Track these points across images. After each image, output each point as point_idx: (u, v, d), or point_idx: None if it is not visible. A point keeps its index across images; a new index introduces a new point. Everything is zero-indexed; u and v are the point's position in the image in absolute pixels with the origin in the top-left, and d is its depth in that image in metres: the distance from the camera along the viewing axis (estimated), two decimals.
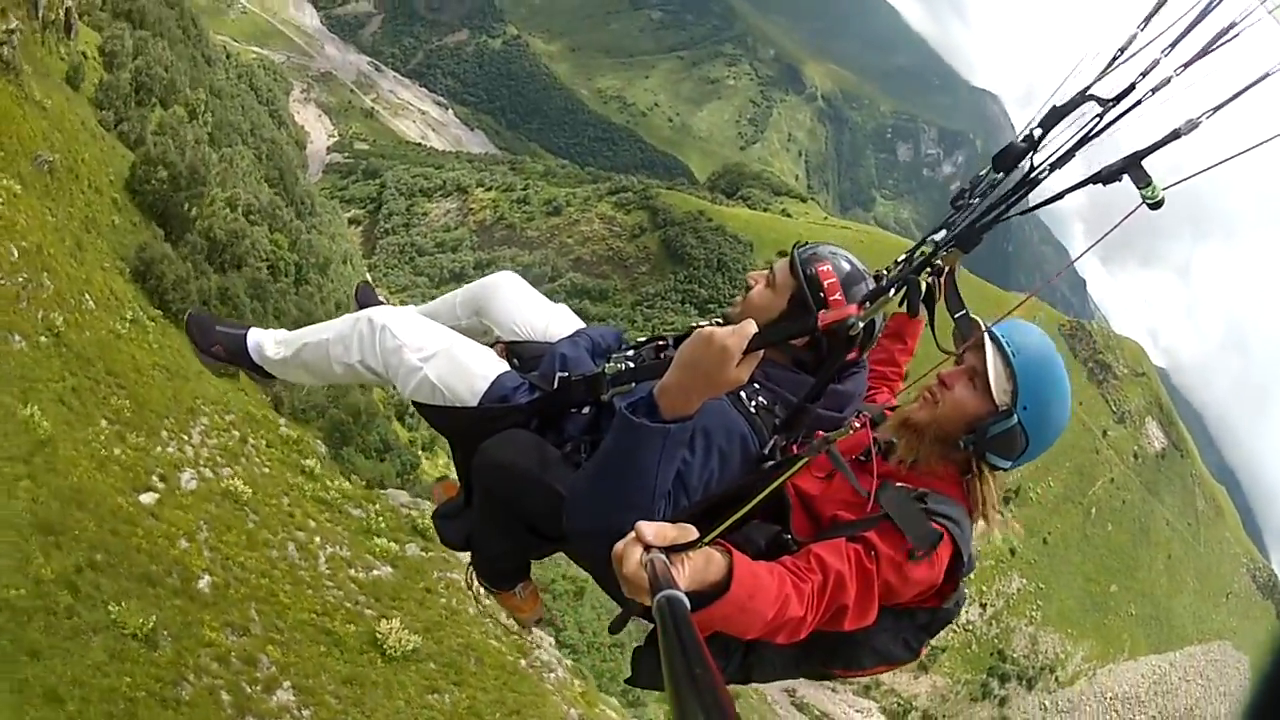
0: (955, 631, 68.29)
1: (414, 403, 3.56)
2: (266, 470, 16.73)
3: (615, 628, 2.68)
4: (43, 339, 13.84)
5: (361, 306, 4.22)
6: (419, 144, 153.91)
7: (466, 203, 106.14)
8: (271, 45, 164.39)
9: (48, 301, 14.88)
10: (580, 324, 3.90)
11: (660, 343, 3.38)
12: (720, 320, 2.99)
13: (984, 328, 2.95)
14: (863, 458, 2.92)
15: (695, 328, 2.74)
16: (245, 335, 4.18)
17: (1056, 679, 74.51)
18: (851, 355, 3.07)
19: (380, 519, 16.78)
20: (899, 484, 2.81)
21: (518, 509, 3.24)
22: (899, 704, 66.41)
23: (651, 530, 2.03)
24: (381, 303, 4.42)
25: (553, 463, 3.10)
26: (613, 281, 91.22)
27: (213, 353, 4.24)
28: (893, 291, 2.80)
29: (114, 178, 26.87)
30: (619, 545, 2.06)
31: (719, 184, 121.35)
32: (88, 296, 17.17)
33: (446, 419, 3.47)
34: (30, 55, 25.36)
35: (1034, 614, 75.86)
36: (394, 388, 3.68)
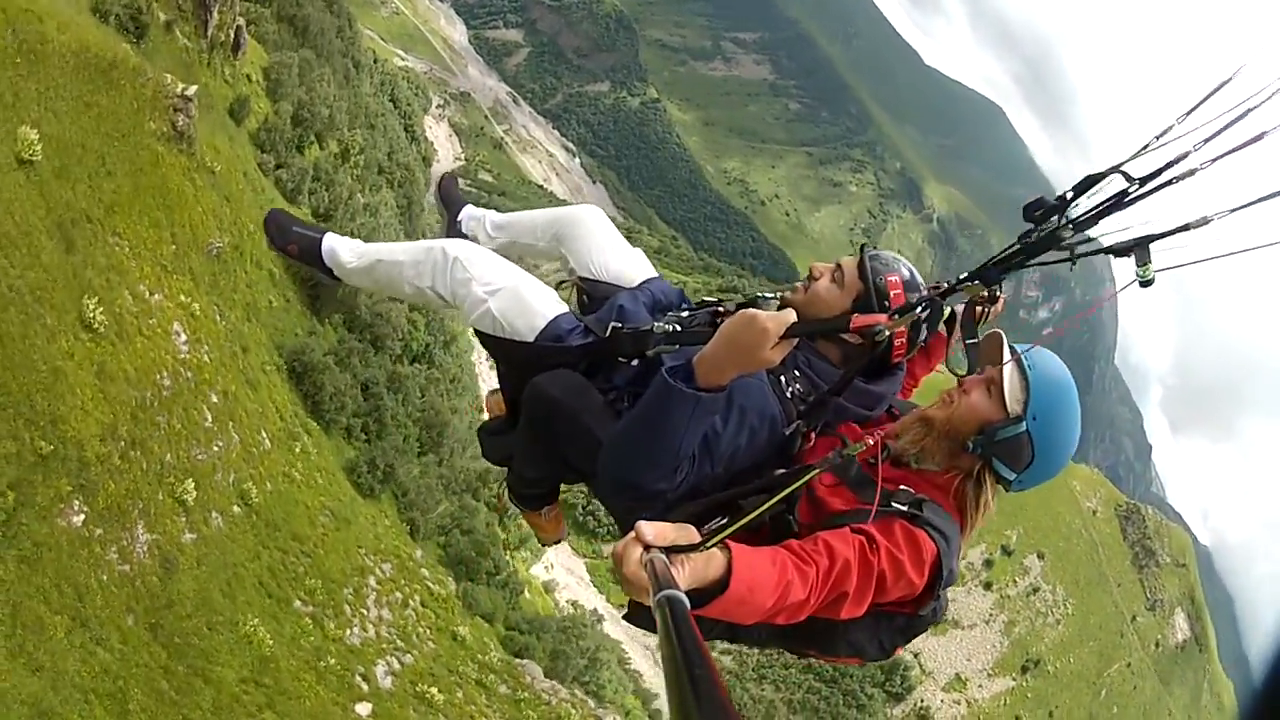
0: None
1: (475, 330, 3.65)
2: (431, 645, 19.73)
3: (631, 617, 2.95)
4: (236, 509, 15.18)
5: (443, 199, 4.76)
6: (541, 186, 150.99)
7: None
8: (416, 52, 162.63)
9: (236, 461, 16.00)
10: (653, 273, 3.94)
11: (718, 309, 3.44)
12: (780, 300, 3.24)
13: (1005, 340, 3.10)
14: (871, 461, 2.95)
15: (759, 297, 3.36)
16: (321, 240, 4.23)
17: None
18: (897, 357, 3.19)
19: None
20: (901, 488, 2.87)
21: (556, 443, 3.34)
22: None
23: (651, 530, 2.08)
24: (463, 202, 4.64)
25: (595, 407, 3.18)
26: None
27: (287, 250, 4.33)
28: (919, 310, 2.97)
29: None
30: (618, 545, 2.11)
31: None
32: (264, 435, 18.11)
33: (503, 350, 3.58)
34: (196, 80, 22.37)
35: None
36: (458, 311, 3.75)
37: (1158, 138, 2.52)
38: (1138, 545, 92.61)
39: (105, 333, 13.18)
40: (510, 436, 3.80)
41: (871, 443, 2.87)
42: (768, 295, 3.45)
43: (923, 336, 3.27)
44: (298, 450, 20.34)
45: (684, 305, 3.69)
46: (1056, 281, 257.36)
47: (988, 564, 76.10)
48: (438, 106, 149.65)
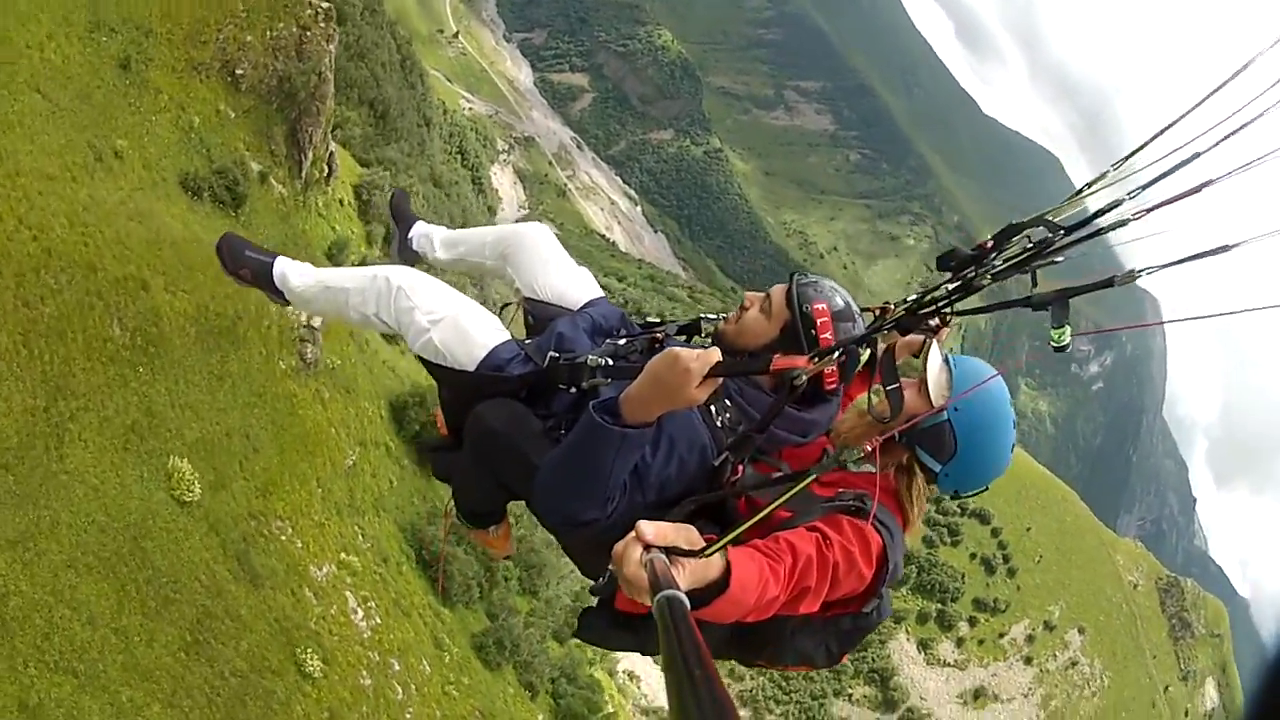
0: None
1: (419, 357, 3.68)
2: None
3: (579, 632, 3.25)
4: None
5: (395, 215, 4.81)
6: (603, 236, 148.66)
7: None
8: (482, 94, 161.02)
9: (418, 709, 16.18)
10: (598, 292, 3.96)
11: (657, 334, 3.52)
12: (713, 332, 3.37)
13: (935, 343, 3.13)
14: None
15: (701, 318, 3.59)
16: (273, 264, 4.25)
17: None
18: (829, 386, 3.17)
19: None
20: (840, 490, 2.93)
21: (497, 470, 3.38)
22: None
23: (652, 530, 2.08)
24: (415, 218, 4.71)
25: (533, 435, 3.22)
26: None
27: (240, 275, 4.34)
28: (837, 354, 2.93)
29: (383, 414, 22.64)
30: (618, 545, 2.10)
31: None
32: (425, 663, 17.82)
33: (446, 377, 3.60)
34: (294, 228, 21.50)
35: None
36: (402, 339, 3.80)
37: (1090, 185, 2.64)
38: (1175, 617, 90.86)
39: (323, 675, 13.31)
40: (452, 457, 3.79)
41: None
42: (709, 316, 3.57)
43: (852, 369, 3.19)
44: (447, 661, 19.39)
45: (624, 330, 3.70)
46: (1108, 337, 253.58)
47: (1029, 639, 73.60)
48: (502, 152, 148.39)
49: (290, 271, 4.16)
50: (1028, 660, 73.17)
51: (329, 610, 14.80)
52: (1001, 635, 68.89)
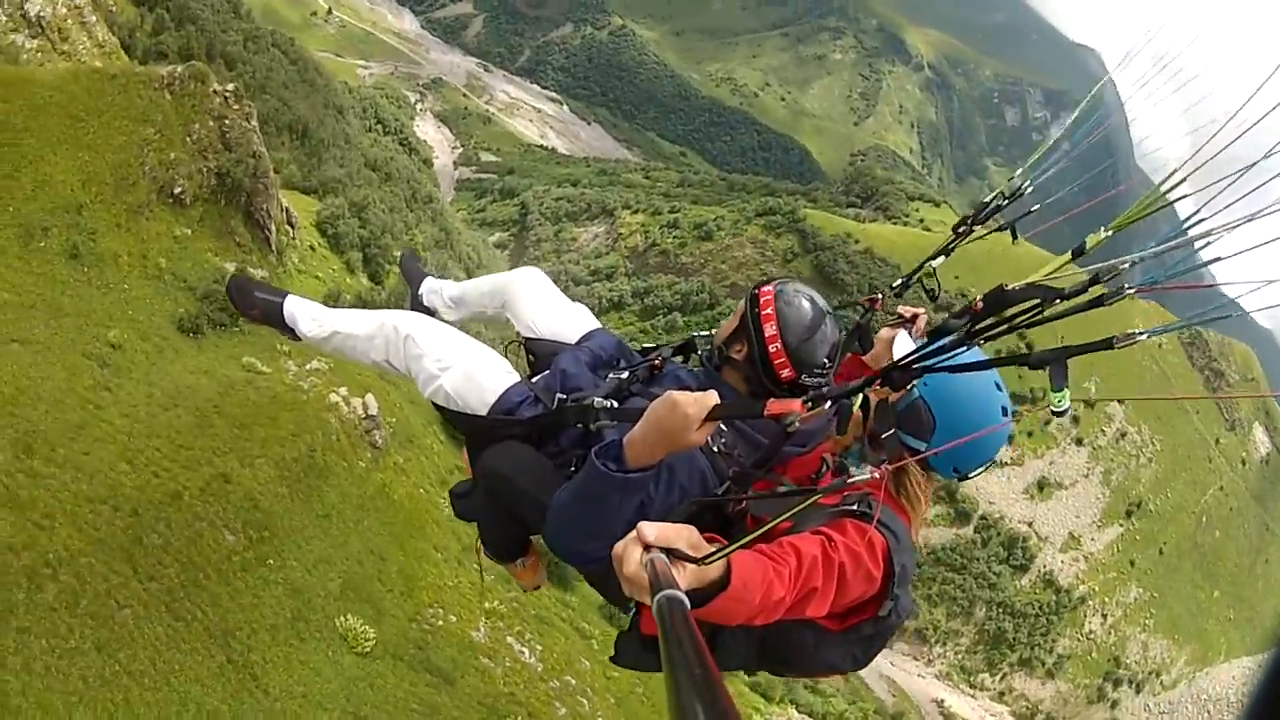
0: (1079, 640, 69.34)
1: (432, 403, 3.69)
2: None
3: (615, 657, 3.17)
4: None
5: (405, 276, 4.88)
6: (542, 146, 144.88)
7: (615, 226, 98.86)
8: (375, 56, 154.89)
9: None
10: (594, 324, 4.00)
11: (655, 360, 3.53)
12: (705, 345, 3.53)
13: (899, 330, 3.28)
14: (813, 477, 3.03)
15: (695, 336, 3.61)
16: (282, 304, 4.28)
17: (1161, 683, 73.08)
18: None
19: None
20: (845, 494, 2.84)
21: (511, 510, 3.43)
22: (1026, 708, 66.48)
23: (652, 531, 2.06)
24: (423, 275, 4.75)
25: (544, 475, 3.26)
26: None
27: (251, 315, 4.36)
28: (828, 405, 2.85)
29: (441, 438, 22.73)
30: (619, 546, 2.09)
31: (854, 190, 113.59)
32: (582, 659, 18.26)
33: (459, 421, 3.61)
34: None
35: (1147, 622, 74.17)
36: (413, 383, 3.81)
37: (1082, 253, 2.57)
38: (1206, 369, 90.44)
39: None
40: (475, 498, 3.79)
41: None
42: (702, 334, 3.61)
43: (833, 417, 3.21)
44: (595, 647, 19.93)
45: (622, 360, 3.73)
46: (1060, 96, 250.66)
47: (1074, 420, 74.30)
48: (416, 102, 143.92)
49: (300, 314, 4.20)
50: (1078, 441, 74.64)
51: (504, 664, 15.22)
52: (1046, 423, 69.36)
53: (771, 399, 2.91)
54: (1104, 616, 72.18)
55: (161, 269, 16.04)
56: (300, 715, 10.16)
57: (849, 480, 2.68)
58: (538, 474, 3.27)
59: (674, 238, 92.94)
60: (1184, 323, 2.43)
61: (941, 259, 3.20)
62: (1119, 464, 75.84)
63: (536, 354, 3.93)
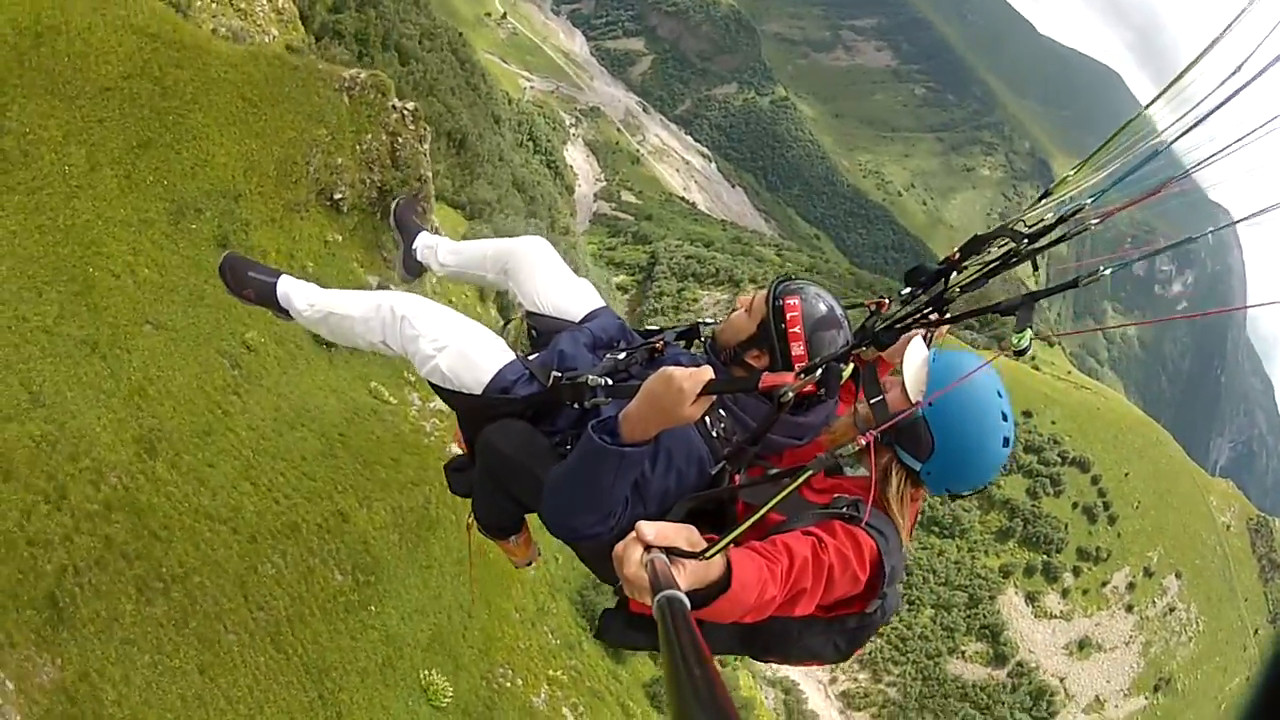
0: None
1: (428, 382, 3.63)
2: None
3: (600, 631, 3.10)
4: None
5: (399, 225, 4.68)
6: (682, 198, 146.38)
7: (736, 296, 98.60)
8: (539, 70, 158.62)
9: None
10: (599, 302, 3.89)
11: (656, 344, 3.47)
12: (710, 337, 3.39)
13: (918, 339, 3.06)
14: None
15: (700, 323, 3.53)
16: (275, 284, 4.22)
17: None
18: (810, 391, 3.05)
19: None
20: (836, 496, 2.88)
21: (507, 487, 3.43)
22: None
23: (652, 531, 2.07)
24: (419, 229, 4.61)
25: (541, 452, 3.24)
26: None
27: (244, 296, 4.32)
28: (818, 372, 2.88)
29: None
30: (619, 546, 2.10)
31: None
32: None
33: (455, 400, 3.54)
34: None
35: None
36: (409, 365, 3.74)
37: (1047, 193, 2.61)
38: (1265, 558, 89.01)
39: None
40: (470, 474, 3.78)
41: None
42: (708, 321, 3.55)
43: (834, 381, 3.08)
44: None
45: (623, 342, 3.65)
46: (1188, 255, 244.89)
47: (1130, 586, 73.57)
48: (571, 126, 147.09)
49: (294, 294, 4.12)
50: (1129, 608, 73.63)
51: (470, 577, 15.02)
52: (1104, 584, 68.82)
53: (766, 372, 2.96)
54: None
55: (308, 272, 16.33)
56: None
57: (840, 466, 2.85)
58: (534, 451, 3.26)
59: None
60: (1148, 253, 2.59)
61: (955, 275, 2.99)
62: (1160, 637, 74.43)
63: (539, 329, 3.87)
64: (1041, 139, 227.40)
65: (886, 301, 3.26)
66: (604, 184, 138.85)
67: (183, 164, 12.31)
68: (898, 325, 2.87)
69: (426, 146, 20.93)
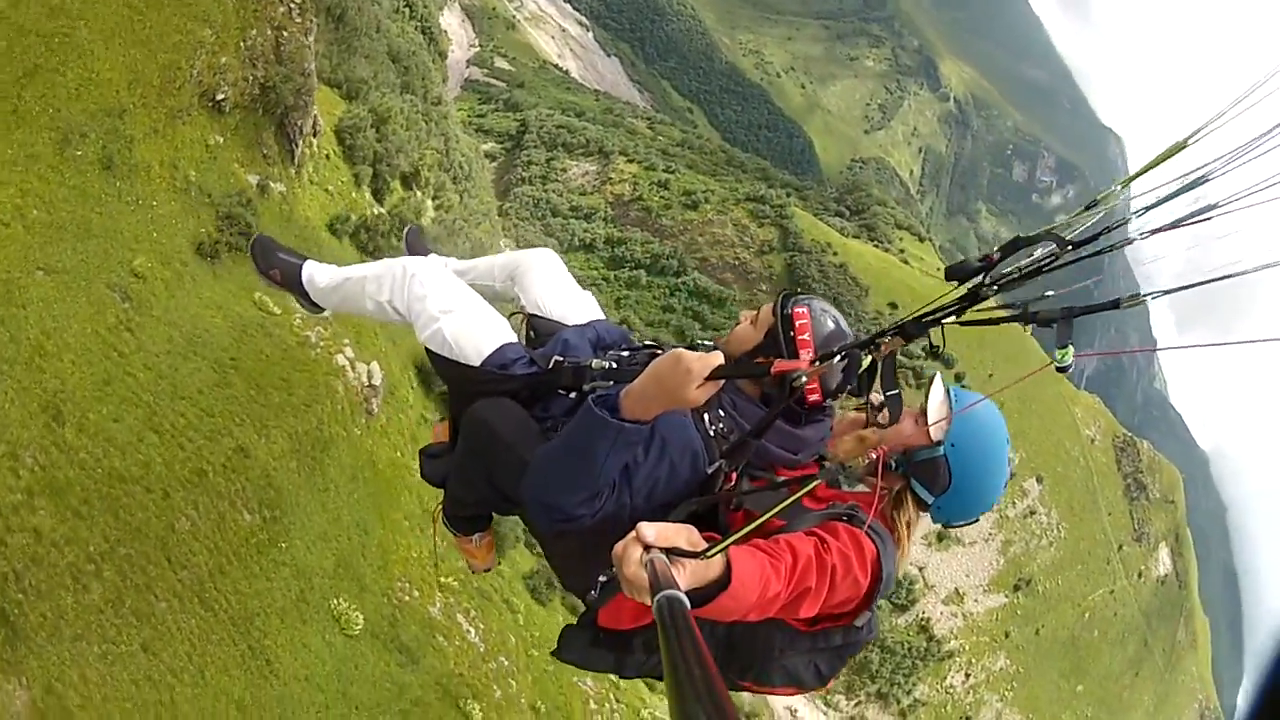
0: (938, 690, 70.77)
1: (426, 349, 3.62)
2: None
3: (558, 650, 3.09)
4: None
5: (409, 250, 4.76)
6: (557, 66, 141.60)
7: (606, 170, 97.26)
8: None
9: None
10: (600, 314, 3.98)
11: (657, 350, 3.43)
12: (711, 345, 3.27)
13: (940, 380, 3.14)
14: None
15: (698, 344, 3.21)
16: (301, 266, 4.28)
17: None
18: (814, 400, 3.14)
19: None
20: (834, 503, 2.89)
21: (488, 466, 3.32)
22: None
23: (653, 531, 2.04)
24: (428, 252, 4.65)
25: (529, 435, 3.17)
26: (732, 292, 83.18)
27: (270, 276, 4.35)
28: (837, 359, 2.85)
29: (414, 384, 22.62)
30: (619, 546, 2.06)
31: (845, 200, 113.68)
32: (511, 636, 18.44)
33: (451, 370, 3.52)
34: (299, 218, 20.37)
35: (1007, 693, 75.77)
36: (412, 330, 3.73)
37: (1094, 203, 2.55)
38: (1130, 478, 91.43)
39: (482, 715, 14.16)
40: (449, 458, 3.72)
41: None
42: (706, 342, 3.43)
43: (835, 384, 3.17)
44: (520, 621, 20.18)
45: (625, 345, 3.65)
46: (1071, 169, 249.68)
47: None
48: None
49: (317, 273, 4.24)
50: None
51: (455, 643, 15.29)
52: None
53: (778, 359, 2.96)
54: (967, 675, 73.62)
55: (190, 181, 15.47)
56: (302, 698, 10.47)
57: (842, 481, 2.87)
58: (523, 431, 3.21)
59: (660, 198, 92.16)
60: (1191, 284, 2.38)
61: (953, 319, 2.99)
62: (1020, 538, 77.25)
63: (539, 331, 3.91)
64: (932, 39, 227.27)
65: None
66: (478, 50, 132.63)
67: (68, 86, 11.28)
68: (926, 320, 2.83)
69: (312, 39, 19.72)
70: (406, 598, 14.77)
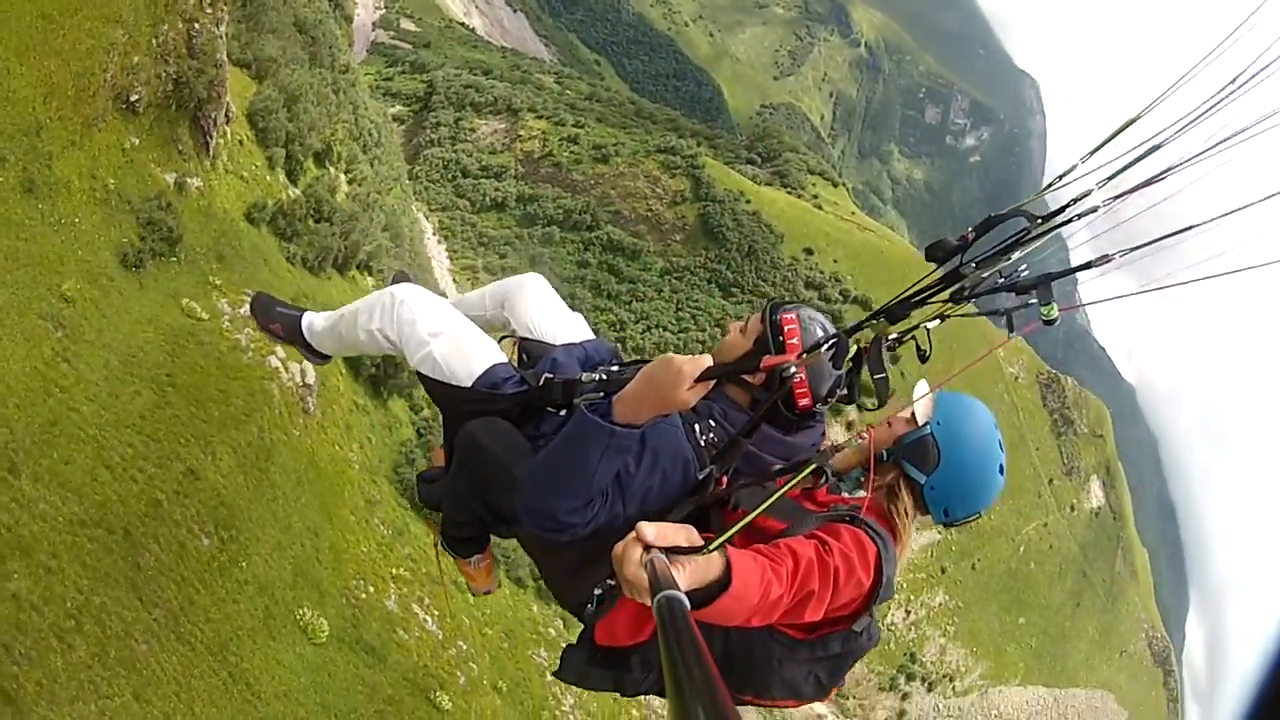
0: (879, 629, 70.76)
1: (417, 372, 3.66)
2: None
3: (559, 670, 3.09)
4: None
5: None
6: (463, 24, 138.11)
7: (515, 127, 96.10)
8: None
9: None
10: (589, 334, 4.06)
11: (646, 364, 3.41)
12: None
13: (925, 381, 3.30)
14: (807, 488, 3.00)
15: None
16: (300, 316, 4.45)
17: (954, 688, 77.13)
18: (804, 404, 3.25)
19: None
20: (834, 505, 2.95)
21: (481, 486, 3.39)
22: None
23: (653, 531, 2.08)
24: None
25: (520, 451, 3.25)
26: (646, 243, 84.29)
27: (272, 330, 4.59)
28: (825, 347, 2.99)
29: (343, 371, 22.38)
30: (618, 546, 2.10)
31: (756, 146, 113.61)
32: (463, 616, 18.61)
33: (442, 392, 3.59)
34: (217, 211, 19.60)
35: (949, 627, 78.08)
36: (403, 356, 3.73)
37: (1060, 177, 2.73)
38: (1057, 413, 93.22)
39: (451, 705, 14.41)
40: (441, 484, 3.82)
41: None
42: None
43: (825, 388, 3.23)
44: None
45: (614, 361, 3.71)
46: (986, 112, 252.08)
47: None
48: None
49: (316, 319, 4.39)
50: None
51: (414, 634, 15.34)
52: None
53: (767, 355, 3.11)
54: (907, 612, 75.69)
55: (109, 190, 14.96)
56: (284, 715, 10.53)
57: (822, 456, 2.89)
58: (514, 449, 3.26)
59: (571, 153, 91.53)
60: (1171, 233, 2.52)
61: (937, 322, 3.17)
62: None
63: (530, 354, 3.96)
64: None
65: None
66: (383, 12, 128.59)
67: None
68: (912, 300, 2.94)
69: (223, 29, 19.07)
70: (363, 595, 14.86)
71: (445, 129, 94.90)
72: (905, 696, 73.43)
